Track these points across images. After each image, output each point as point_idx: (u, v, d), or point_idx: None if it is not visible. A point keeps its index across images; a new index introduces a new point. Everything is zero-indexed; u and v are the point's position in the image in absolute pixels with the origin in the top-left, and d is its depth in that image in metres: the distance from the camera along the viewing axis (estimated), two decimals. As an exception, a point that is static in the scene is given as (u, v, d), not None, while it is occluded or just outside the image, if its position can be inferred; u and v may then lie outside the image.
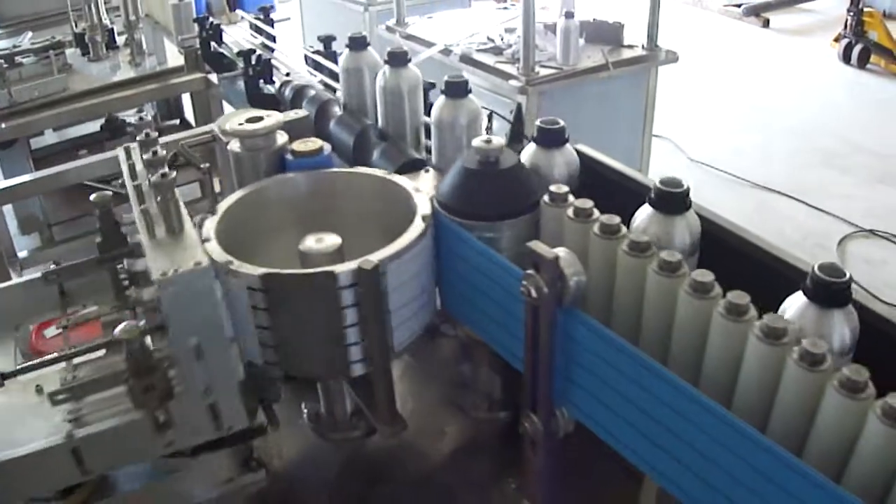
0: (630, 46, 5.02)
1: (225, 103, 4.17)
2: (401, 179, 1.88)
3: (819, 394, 1.17)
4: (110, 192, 1.89)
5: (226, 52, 3.92)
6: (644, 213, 1.55)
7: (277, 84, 3.12)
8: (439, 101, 2.10)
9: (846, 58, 9.35)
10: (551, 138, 1.82)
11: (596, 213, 1.56)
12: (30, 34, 4.93)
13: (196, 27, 4.18)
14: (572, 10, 4.68)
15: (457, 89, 2.08)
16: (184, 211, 1.64)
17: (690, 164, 7.01)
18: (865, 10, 9.16)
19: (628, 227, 1.54)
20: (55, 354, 1.67)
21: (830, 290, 1.28)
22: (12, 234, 4.34)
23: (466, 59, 4.95)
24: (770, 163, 7.07)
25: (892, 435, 1.09)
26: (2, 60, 4.18)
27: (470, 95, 2.10)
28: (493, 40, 5.08)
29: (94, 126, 5.08)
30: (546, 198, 1.65)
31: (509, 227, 1.67)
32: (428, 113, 2.26)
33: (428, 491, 1.83)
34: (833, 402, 1.15)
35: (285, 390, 2.02)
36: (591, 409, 1.49)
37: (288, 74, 3.26)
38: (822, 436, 1.20)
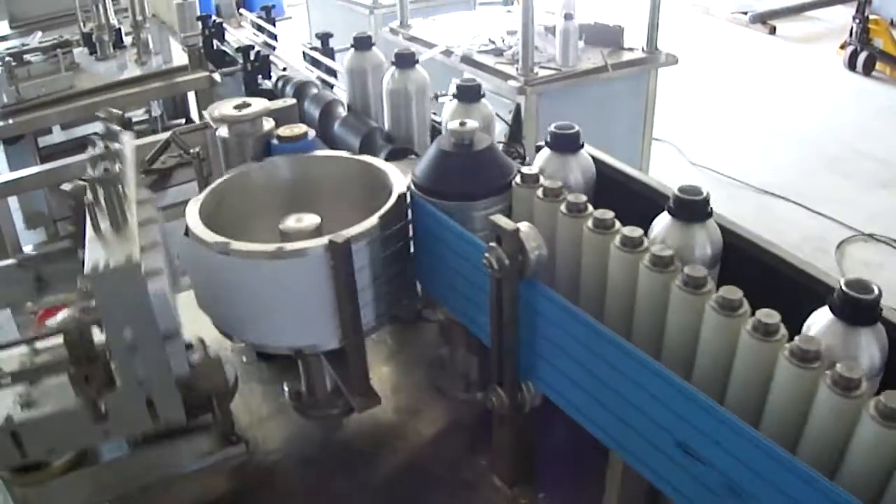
0: (630, 49, 5.05)
1: (227, 101, 4.21)
2: (380, 163, 1.94)
3: (854, 420, 1.12)
4: (84, 183, 1.94)
5: (228, 50, 3.98)
6: (663, 221, 1.49)
7: (274, 79, 3.17)
8: (451, 105, 2.08)
9: (852, 65, 9.37)
10: (566, 143, 1.76)
11: (589, 207, 1.56)
12: (40, 34, 5.00)
13: (199, 26, 4.24)
14: (572, 12, 4.72)
15: (470, 93, 2.05)
16: (133, 208, 1.64)
17: (691, 168, 7.03)
18: (871, 17, 9.17)
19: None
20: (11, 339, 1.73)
21: (859, 307, 1.21)
22: (18, 229, 4.40)
23: (467, 59, 5.00)
24: (772, 167, 7.10)
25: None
26: (10, 58, 4.26)
27: (483, 100, 2.08)
28: (494, 42, 5.13)
29: (101, 125, 5.12)
30: (518, 179, 1.70)
31: (482, 207, 1.71)
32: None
33: (402, 467, 1.87)
34: (869, 429, 1.09)
35: (265, 370, 2.09)
36: (555, 383, 1.53)
37: (284, 70, 3.32)
38: (857, 463, 1.14)
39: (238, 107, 2.02)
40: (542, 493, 1.73)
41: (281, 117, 2.13)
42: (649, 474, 1.37)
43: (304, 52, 3.47)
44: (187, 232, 1.71)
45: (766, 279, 1.49)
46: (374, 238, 1.66)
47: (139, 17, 4.78)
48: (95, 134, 1.84)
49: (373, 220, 1.67)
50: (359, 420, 1.97)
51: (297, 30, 7.46)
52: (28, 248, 4.36)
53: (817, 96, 8.89)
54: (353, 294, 1.63)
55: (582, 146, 1.78)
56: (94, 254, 1.46)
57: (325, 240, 1.59)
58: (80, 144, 5.18)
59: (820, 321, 1.25)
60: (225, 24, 4.15)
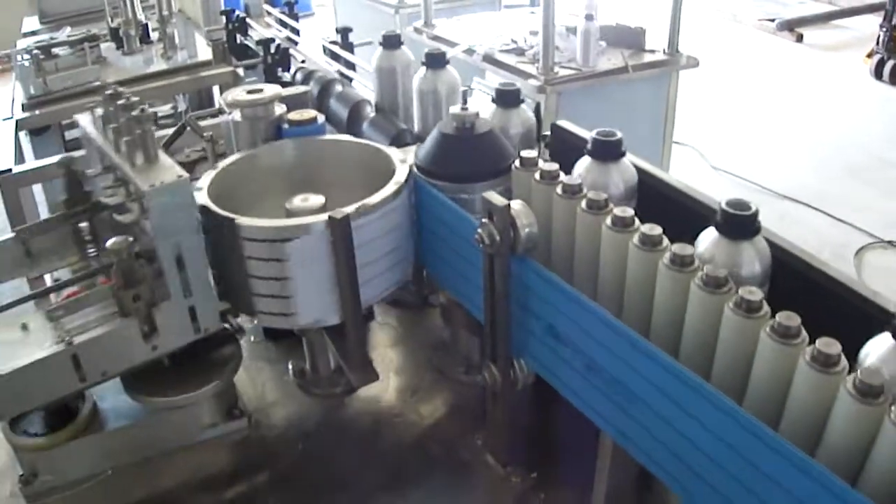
0: (651, 51, 5.05)
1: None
2: (385, 148, 1.97)
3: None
4: (74, 155, 2.01)
5: (250, 44, 4.04)
6: (709, 237, 1.41)
7: (292, 71, 3.23)
8: (490, 109, 2.03)
9: (878, 74, 9.31)
10: (607, 151, 1.66)
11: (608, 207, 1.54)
12: (68, 29, 5.08)
13: (223, 20, 4.30)
14: (593, 13, 4.74)
15: (509, 98, 2.02)
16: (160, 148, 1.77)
17: (712, 172, 7.04)
18: (898, 25, 9.13)
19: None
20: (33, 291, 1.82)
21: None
22: (42, 218, 4.46)
23: (489, 58, 5.03)
24: (794, 173, 7.08)
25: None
26: (39, 51, 4.33)
27: (523, 105, 2.06)
28: (516, 42, 5.16)
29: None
30: (517, 163, 1.73)
31: (481, 189, 1.74)
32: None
33: (400, 447, 1.91)
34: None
35: (272, 349, 2.14)
36: (547, 361, 1.56)
37: (303, 62, 3.37)
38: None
39: (251, 92, 2.07)
40: (535, 473, 1.75)
41: (293, 103, 2.17)
42: (642, 457, 1.40)
43: (323, 46, 3.53)
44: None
45: (814, 298, 1.39)
46: (374, 216, 1.70)
47: (165, 13, 4.84)
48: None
49: (374, 199, 1.71)
50: (360, 399, 2.02)
51: (323, 28, 7.53)
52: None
53: (842, 104, 8.85)
54: (353, 270, 1.67)
55: (623, 154, 1.68)
56: (142, 179, 1.61)
57: (325, 216, 1.63)
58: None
59: (880, 348, 1.17)
60: (248, 19, 4.21)
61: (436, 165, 1.79)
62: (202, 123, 2.35)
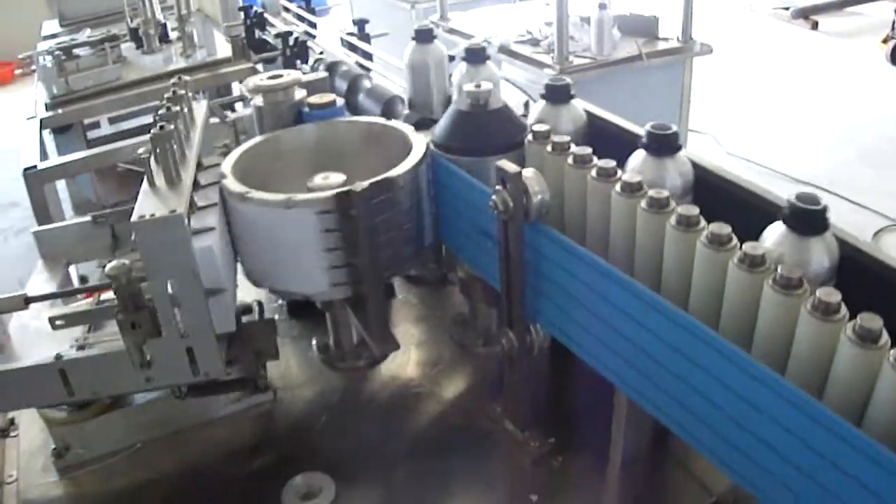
0: (665, 39, 5.10)
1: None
2: (401, 125, 2.03)
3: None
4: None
5: (268, 39, 4.10)
6: (776, 232, 1.36)
7: (311, 62, 3.28)
8: (538, 105, 1.95)
9: (894, 59, 9.31)
10: (664, 145, 1.60)
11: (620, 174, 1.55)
12: (88, 31, 5.16)
13: (241, 16, 4.37)
14: (606, 2, 4.78)
15: (560, 93, 1.93)
16: (191, 167, 1.76)
17: (728, 157, 7.06)
18: (913, 11, 9.15)
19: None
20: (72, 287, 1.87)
21: None
22: (67, 216, 4.55)
23: (505, 49, 5.08)
24: (810, 158, 7.10)
25: None
26: (60, 52, 4.41)
27: (573, 101, 1.95)
28: (531, 33, 5.21)
29: (147, 119, 5.28)
30: (529, 136, 1.78)
31: (496, 162, 1.79)
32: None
33: (419, 415, 1.96)
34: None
35: (296, 327, 2.19)
36: (562, 323, 1.61)
37: (321, 53, 3.43)
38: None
39: (272, 78, 2.13)
40: (553, 438, 1.80)
41: (312, 89, 2.23)
42: (661, 416, 1.44)
43: (341, 39, 3.59)
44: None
45: (882, 294, 1.32)
46: (392, 189, 1.75)
47: (184, 12, 4.91)
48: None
49: (392, 173, 1.76)
50: (382, 373, 2.08)
51: (340, 24, 7.58)
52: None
53: (858, 90, 8.85)
54: (371, 241, 1.72)
55: (679, 148, 1.62)
56: (143, 205, 1.56)
57: (334, 190, 1.68)
58: (127, 136, 5.35)
59: None
60: (266, 15, 4.27)
61: (452, 140, 1.84)
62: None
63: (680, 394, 1.35)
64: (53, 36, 5.42)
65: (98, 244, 2.06)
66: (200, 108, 2.07)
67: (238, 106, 3.39)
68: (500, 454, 1.83)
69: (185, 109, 1.94)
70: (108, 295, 1.81)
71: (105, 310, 1.71)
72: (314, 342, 2.15)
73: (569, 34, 4.73)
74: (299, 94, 2.15)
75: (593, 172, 1.57)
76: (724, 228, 1.33)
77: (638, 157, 1.62)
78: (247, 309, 1.87)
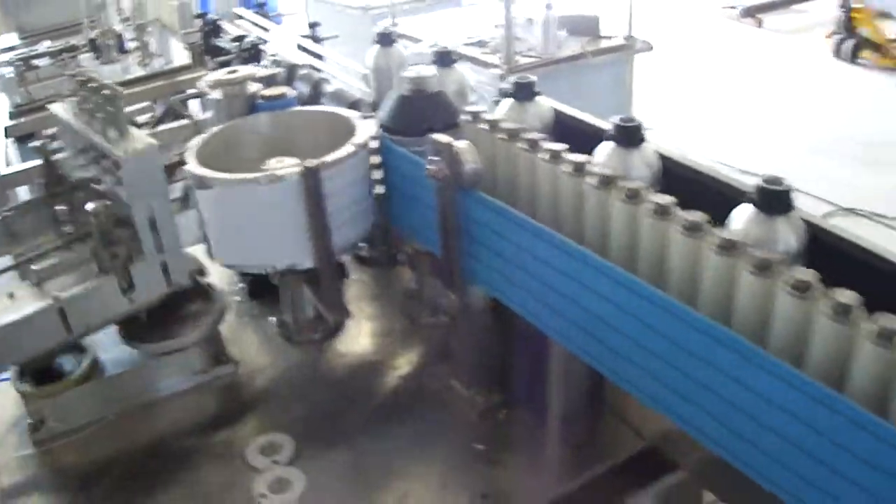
0: (608, 37, 5.28)
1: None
2: (348, 112, 2.18)
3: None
4: (53, 144, 2.26)
5: (224, 45, 4.22)
6: (745, 214, 1.42)
7: (265, 64, 3.40)
8: (506, 102, 2.02)
9: (838, 53, 9.60)
10: (629, 136, 1.67)
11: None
12: (48, 42, 5.25)
13: (198, 23, 4.49)
14: (551, 2, 4.96)
15: (526, 91, 2.02)
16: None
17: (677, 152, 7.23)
18: (855, 7, 9.43)
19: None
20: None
21: None
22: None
23: (454, 52, 5.22)
24: (757, 150, 7.29)
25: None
26: (21, 62, 4.52)
27: (537, 98, 2.05)
28: (478, 36, 5.37)
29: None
30: (467, 117, 1.93)
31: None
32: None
33: (373, 382, 2.11)
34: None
35: (255, 307, 2.33)
36: (497, 283, 1.76)
37: (274, 55, 3.56)
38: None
39: (229, 73, 2.28)
40: (497, 393, 1.95)
41: (266, 84, 2.37)
42: (597, 366, 1.57)
43: (298, 45, 3.73)
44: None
45: (844, 269, 1.36)
46: (342, 167, 1.90)
47: (141, 21, 5.02)
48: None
49: (339, 153, 1.91)
50: (338, 345, 2.22)
51: (293, 30, 7.70)
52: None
53: (804, 84, 9.12)
54: (324, 217, 1.86)
55: (643, 139, 1.69)
56: (117, 149, 1.82)
57: (297, 167, 1.82)
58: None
59: None
60: (220, 21, 4.40)
61: (395, 122, 1.99)
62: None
63: (611, 341, 1.50)
64: (12, 48, 5.49)
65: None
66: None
67: (195, 103, 3.51)
68: (448, 411, 1.97)
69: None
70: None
71: (79, 256, 1.95)
72: (273, 319, 2.28)
73: (515, 35, 4.90)
74: (253, 87, 2.29)
75: (748, 265, 1.35)
76: (700, 216, 1.40)
77: (605, 148, 1.69)
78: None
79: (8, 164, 3.98)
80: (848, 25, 9.48)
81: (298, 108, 2.31)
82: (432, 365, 2.09)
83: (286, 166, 1.97)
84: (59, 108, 2.20)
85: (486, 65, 4.95)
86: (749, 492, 1.37)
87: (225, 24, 4.40)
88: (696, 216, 1.38)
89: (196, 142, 2.08)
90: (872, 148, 7.35)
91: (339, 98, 2.64)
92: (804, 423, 1.19)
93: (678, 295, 1.40)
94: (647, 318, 1.40)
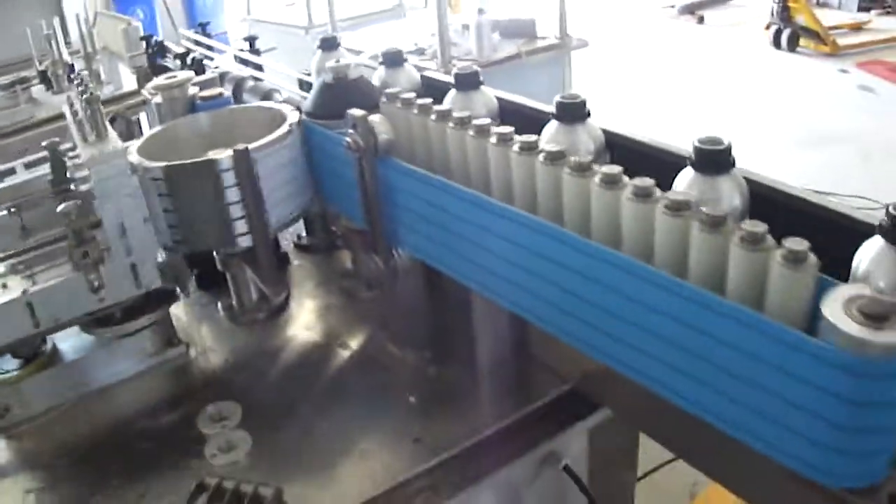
0: (543, 38, 5.47)
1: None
2: (280, 106, 2.33)
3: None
4: (58, 140, 2.40)
5: (169, 64, 4.38)
6: (686, 177, 1.47)
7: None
8: (551, 125, 1.86)
9: (776, 43, 9.90)
10: (573, 113, 1.73)
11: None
12: (-1, 78, 5.38)
13: (143, 45, 4.64)
14: (483, 7, 5.14)
15: (470, 81, 2.14)
16: (108, 125, 2.12)
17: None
18: (791, -4, 9.76)
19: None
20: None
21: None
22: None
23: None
24: (700, 136, 7.52)
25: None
26: (-30, 96, 4.64)
27: (483, 87, 2.17)
28: (417, 44, 5.55)
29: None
30: (383, 98, 2.09)
31: (356, 122, 2.10)
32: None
33: (313, 353, 2.27)
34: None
35: (204, 297, 2.48)
36: (420, 244, 1.92)
37: (217, 68, 3.71)
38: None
39: (169, 78, 2.44)
40: (428, 351, 2.11)
41: (204, 87, 2.54)
42: (512, 306, 1.72)
43: (234, 56, 3.88)
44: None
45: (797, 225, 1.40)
46: (270, 151, 2.06)
47: (90, 50, 5.15)
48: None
49: (268, 138, 2.07)
50: (282, 323, 2.37)
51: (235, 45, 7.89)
52: None
53: (744, 74, 9.40)
54: (258, 197, 2.01)
55: (589, 115, 1.74)
56: (87, 151, 1.95)
57: (229, 151, 1.98)
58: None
59: (870, 251, 1.24)
60: (165, 42, 4.55)
61: (318, 108, 2.15)
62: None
63: (529, 285, 1.63)
64: (-36, 84, 5.60)
65: (11, 235, 2.35)
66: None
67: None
68: (382, 371, 2.13)
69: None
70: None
71: (53, 251, 2.11)
72: (219, 304, 2.43)
73: (450, 40, 5.07)
74: (193, 90, 2.46)
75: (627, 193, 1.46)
76: (648, 181, 1.43)
77: (551, 127, 1.79)
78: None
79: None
80: (784, 15, 9.76)
81: (234, 106, 2.47)
82: (368, 333, 2.23)
83: (219, 153, 2.12)
84: (65, 108, 2.41)
85: (424, 70, 5.11)
86: (673, 425, 1.54)
87: (170, 45, 4.54)
88: (645, 182, 1.41)
89: (137, 141, 2.22)
90: (809, 128, 7.61)
91: (256, 91, 2.86)
92: (684, 324, 1.34)
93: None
94: (550, 253, 1.54)
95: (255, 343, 2.32)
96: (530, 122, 1.86)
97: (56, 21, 5.24)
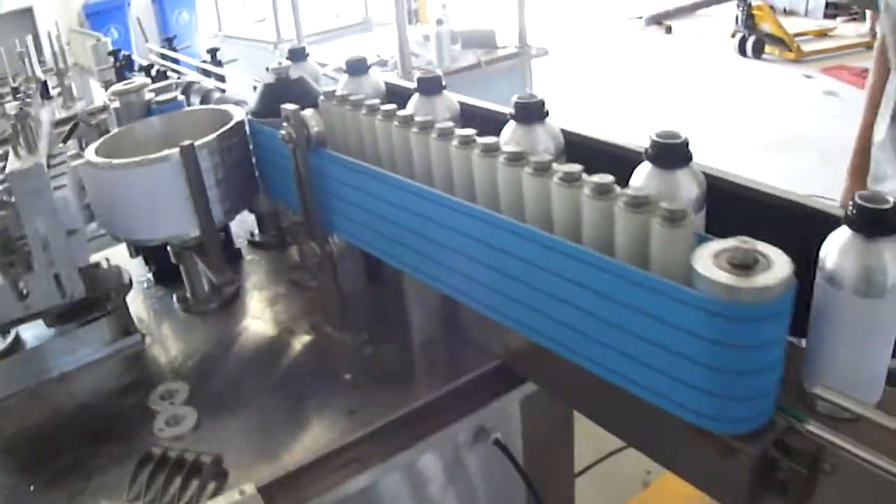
0: (504, 47, 5.62)
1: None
2: (230, 108, 2.48)
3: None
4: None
5: (135, 76, 4.52)
6: (643, 171, 1.50)
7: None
8: (510, 126, 1.92)
9: (742, 51, 10.12)
10: (530, 113, 1.76)
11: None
12: (-27, 96, 5.49)
13: (111, 60, 4.78)
14: (443, 18, 5.30)
15: (432, 85, 2.14)
16: (43, 144, 2.24)
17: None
18: (754, 3, 9.96)
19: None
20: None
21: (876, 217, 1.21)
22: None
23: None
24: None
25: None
26: (-55, 114, 4.75)
27: (445, 92, 2.13)
28: (380, 56, 5.70)
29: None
30: (322, 97, 2.23)
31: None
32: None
33: (262, 336, 2.41)
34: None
35: (161, 290, 2.62)
36: (352, 229, 2.06)
37: (179, 78, 3.86)
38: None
39: (126, 84, 2.59)
40: (366, 333, 2.24)
41: (159, 92, 2.68)
42: (451, 292, 1.83)
43: (197, 67, 4.03)
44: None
45: (756, 217, 1.52)
46: (215, 147, 2.21)
47: (62, 66, 5.28)
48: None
49: (213, 135, 2.21)
50: (232, 312, 2.51)
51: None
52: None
53: (710, 81, 9.60)
54: (203, 190, 2.16)
55: (547, 115, 1.76)
56: (13, 165, 2.03)
57: (176, 149, 2.12)
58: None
59: (838, 239, 1.27)
60: (132, 56, 4.69)
61: (262, 108, 2.29)
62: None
63: (456, 265, 1.75)
64: (-60, 104, 5.71)
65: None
66: (47, 109, 2.48)
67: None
68: (323, 353, 2.27)
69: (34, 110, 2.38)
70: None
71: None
72: (174, 296, 2.57)
73: (411, 51, 5.22)
74: (149, 95, 2.61)
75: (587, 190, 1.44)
76: (607, 178, 1.44)
77: (509, 128, 1.78)
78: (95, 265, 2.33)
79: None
80: (748, 23, 9.98)
81: (186, 109, 2.62)
82: (314, 319, 2.37)
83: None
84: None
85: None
86: (597, 398, 1.66)
87: (137, 59, 4.68)
88: (605, 178, 1.40)
89: (95, 143, 2.36)
90: (780, 135, 7.80)
91: (199, 91, 3.11)
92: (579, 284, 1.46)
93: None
94: (477, 234, 1.65)
95: (207, 331, 2.45)
96: (493, 124, 1.90)
97: (29, 39, 5.37)
